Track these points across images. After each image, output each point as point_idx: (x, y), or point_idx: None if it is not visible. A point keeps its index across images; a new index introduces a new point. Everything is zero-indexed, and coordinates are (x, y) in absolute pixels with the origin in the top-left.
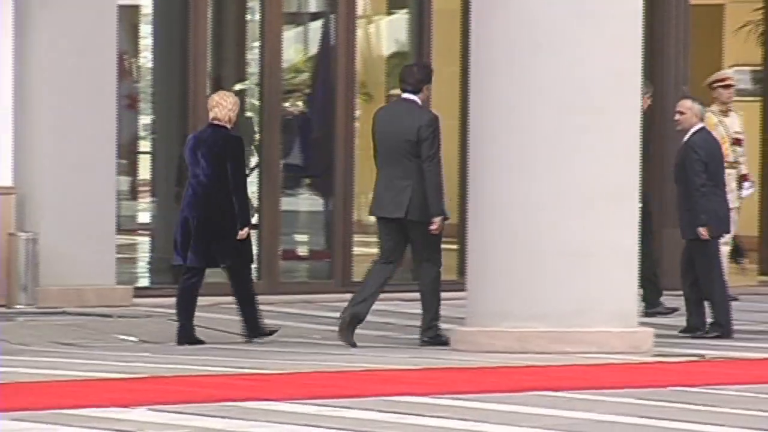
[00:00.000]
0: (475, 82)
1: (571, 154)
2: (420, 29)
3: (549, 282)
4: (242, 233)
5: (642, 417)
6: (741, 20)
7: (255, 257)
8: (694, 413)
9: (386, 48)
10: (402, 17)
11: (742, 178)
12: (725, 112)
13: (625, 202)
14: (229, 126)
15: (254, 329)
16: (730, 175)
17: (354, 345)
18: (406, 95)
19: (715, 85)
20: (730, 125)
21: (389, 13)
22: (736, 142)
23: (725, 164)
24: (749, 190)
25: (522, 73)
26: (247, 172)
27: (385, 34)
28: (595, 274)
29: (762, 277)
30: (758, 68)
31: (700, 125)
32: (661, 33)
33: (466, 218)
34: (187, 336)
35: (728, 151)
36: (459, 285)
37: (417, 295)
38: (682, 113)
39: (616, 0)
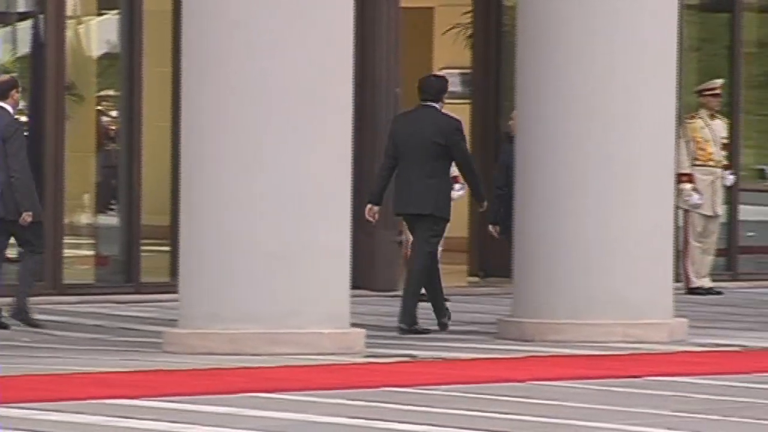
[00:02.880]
0: (186, 83)
1: (282, 154)
2: (131, 30)
3: (260, 283)
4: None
5: (354, 417)
6: (450, 23)
7: None
8: (406, 413)
9: (97, 48)
10: (113, 18)
11: (453, 180)
12: None
13: (336, 202)
14: None
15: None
16: None
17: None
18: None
19: None
20: None
21: (99, 14)
22: None
23: None
24: (460, 192)
25: (232, 74)
26: None
27: (95, 34)
28: (306, 275)
29: (471, 278)
30: (467, 70)
31: None
32: (372, 35)
33: (178, 219)
34: None
35: None
36: (171, 287)
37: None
38: (513, 120)
39: (326, 1)
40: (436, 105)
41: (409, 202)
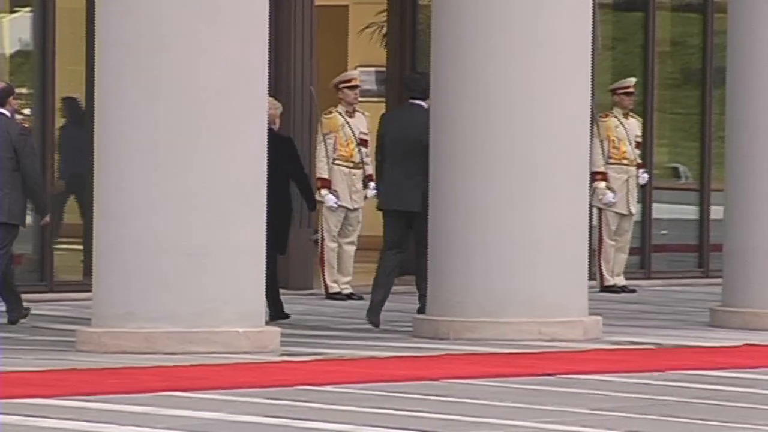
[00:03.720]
0: (100, 81)
1: (197, 153)
2: (44, 28)
3: (174, 282)
4: None
5: (270, 416)
6: (365, 22)
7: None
8: (323, 412)
9: (9, 46)
10: (26, 15)
11: (368, 179)
12: (351, 113)
13: (251, 200)
14: (274, 127)
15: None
16: (356, 176)
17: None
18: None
19: (342, 86)
20: (356, 126)
21: (12, 11)
22: (362, 142)
23: (352, 164)
24: (374, 191)
25: (146, 73)
26: None
27: (8, 32)
28: (221, 273)
29: None
30: (382, 69)
31: None
32: (287, 33)
33: (91, 218)
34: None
35: (354, 152)
36: (84, 286)
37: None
38: None
39: (241, 1)
40: (424, 103)
41: (397, 200)
